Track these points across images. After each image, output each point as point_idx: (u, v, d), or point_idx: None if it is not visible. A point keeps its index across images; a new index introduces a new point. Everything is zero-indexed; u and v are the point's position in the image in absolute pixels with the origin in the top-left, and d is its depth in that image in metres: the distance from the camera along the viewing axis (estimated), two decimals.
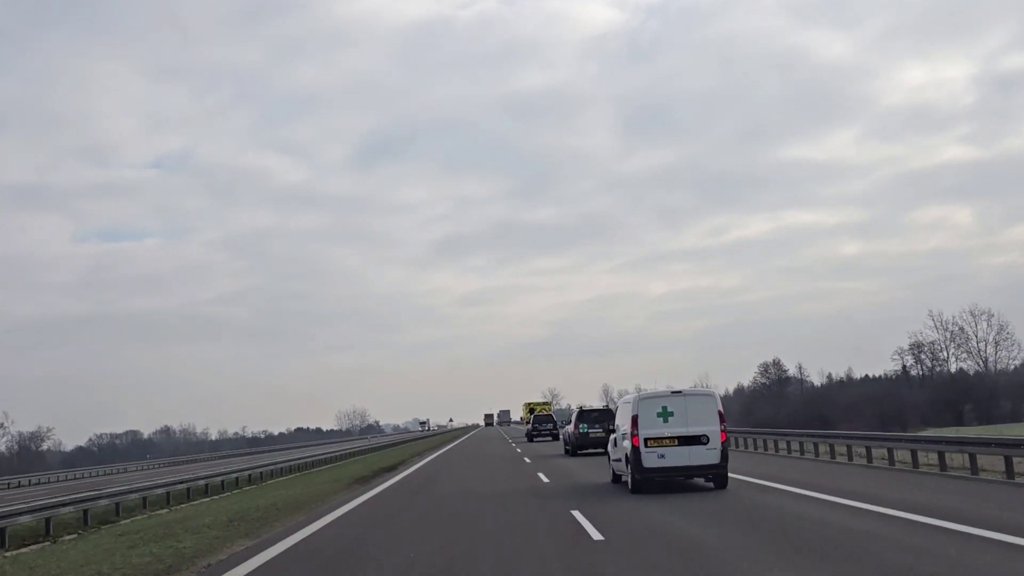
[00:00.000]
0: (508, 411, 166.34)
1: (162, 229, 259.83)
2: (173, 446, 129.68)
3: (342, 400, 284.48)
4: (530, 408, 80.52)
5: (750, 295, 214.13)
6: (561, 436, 39.44)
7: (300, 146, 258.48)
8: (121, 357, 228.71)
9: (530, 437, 61.55)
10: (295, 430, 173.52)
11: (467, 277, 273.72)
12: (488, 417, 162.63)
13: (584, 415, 36.32)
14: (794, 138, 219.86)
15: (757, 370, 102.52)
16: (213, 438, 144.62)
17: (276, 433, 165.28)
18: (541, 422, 62.36)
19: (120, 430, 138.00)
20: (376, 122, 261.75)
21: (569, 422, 38.49)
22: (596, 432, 34.83)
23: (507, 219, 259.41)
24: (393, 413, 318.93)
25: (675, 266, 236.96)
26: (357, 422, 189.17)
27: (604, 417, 35.30)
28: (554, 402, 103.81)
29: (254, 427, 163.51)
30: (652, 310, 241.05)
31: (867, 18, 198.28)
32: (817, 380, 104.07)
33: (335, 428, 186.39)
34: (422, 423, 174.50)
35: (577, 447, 35.65)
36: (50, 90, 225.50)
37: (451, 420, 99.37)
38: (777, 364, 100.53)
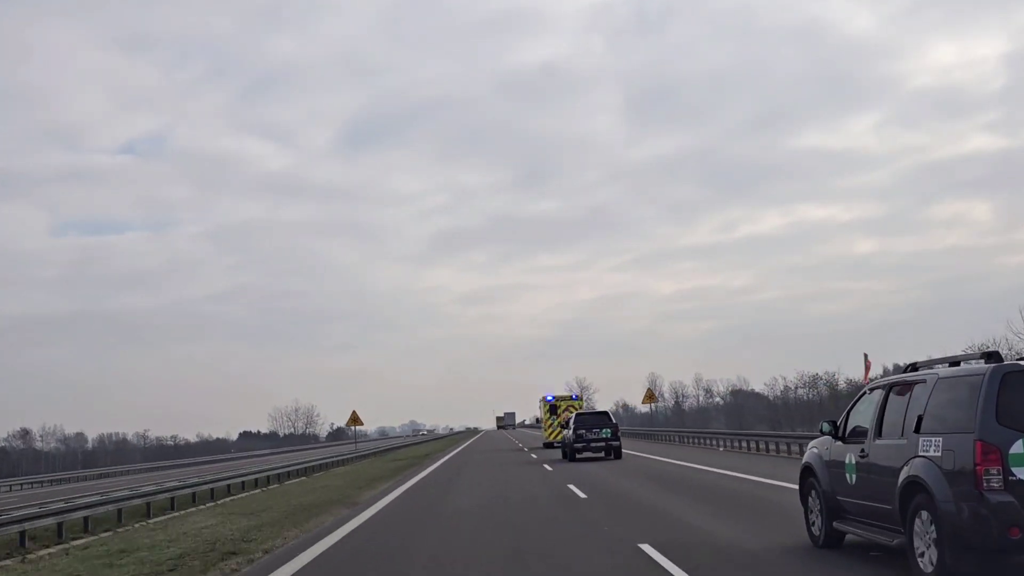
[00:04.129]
0: (513, 413, 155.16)
1: (144, 222, 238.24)
2: (33, 454, 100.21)
3: (330, 405, 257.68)
4: (551, 405, 53.54)
5: (760, 295, 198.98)
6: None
7: (282, 129, 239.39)
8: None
9: (570, 452, 35.34)
10: (240, 435, 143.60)
11: (468, 274, 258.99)
12: (500, 420, 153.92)
13: None
14: (811, 124, 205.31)
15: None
16: (89, 445, 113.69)
17: (190, 439, 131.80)
18: (590, 426, 35.45)
19: None
20: (363, 102, 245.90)
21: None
22: None
23: (508, 212, 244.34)
24: (388, 417, 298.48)
25: (683, 264, 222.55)
26: (301, 424, 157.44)
27: None
28: (584, 398, 75.26)
29: (161, 430, 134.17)
30: (659, 310, 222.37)
31: None
32: None
33: (271, 431, 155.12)
34: None
35: None
36: (3, 64, 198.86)
37: (352, 427, 41.77)
38: None
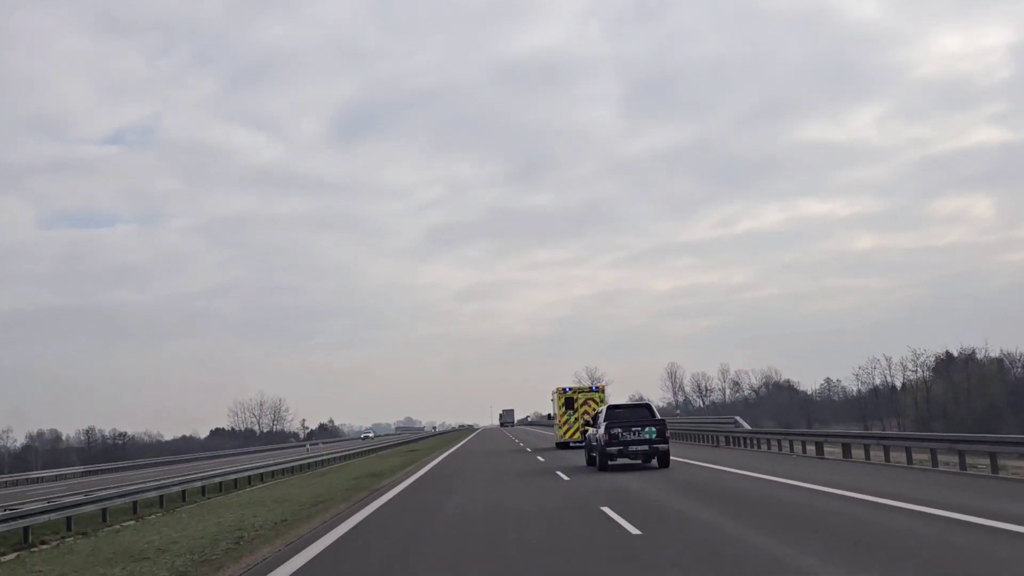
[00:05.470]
0: (512, 411, 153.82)
1: (133, 214, 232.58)
2: None
3: (306, 403, 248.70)
4: (566, 398, 44.16)
5: (758, 292, 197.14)
6: None
7: (272, 119, 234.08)
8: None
9: (601, 458, 26.17)
10: (210, 432, 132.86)
11: (463, 270, 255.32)
12: (501, 417, 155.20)
13: None
14: (813, 116, 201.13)
15: None
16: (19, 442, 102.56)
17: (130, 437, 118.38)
18: (627, 423, 25.96)
19: None
20: (354, 91, 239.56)
21: None
22: None
23: (503, 206, 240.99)
24: (384, 414, 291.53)
25: (682, 260, 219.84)
26: (268, 420, 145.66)
27: None
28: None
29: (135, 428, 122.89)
30: (657, 307, 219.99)
31: None
32: None
33: (233, 427, 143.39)
34: None
35: None
36: None
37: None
38: None
